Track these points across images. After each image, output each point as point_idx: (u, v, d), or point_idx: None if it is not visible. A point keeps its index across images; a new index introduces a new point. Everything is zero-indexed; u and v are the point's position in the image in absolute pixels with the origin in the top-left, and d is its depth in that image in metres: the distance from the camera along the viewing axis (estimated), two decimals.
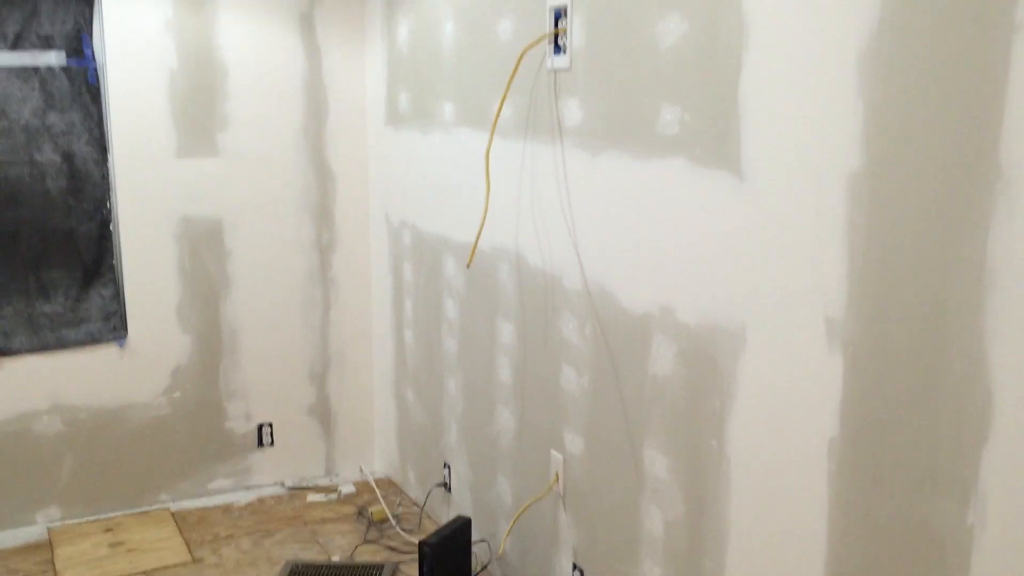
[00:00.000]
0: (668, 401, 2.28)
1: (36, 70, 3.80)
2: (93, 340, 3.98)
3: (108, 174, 3.96)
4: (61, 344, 3.93)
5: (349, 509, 4.17)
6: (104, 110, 3.92)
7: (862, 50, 1.61)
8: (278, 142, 4.17)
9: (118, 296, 4.03)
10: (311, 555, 3.74)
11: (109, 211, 3.99)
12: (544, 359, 2.87)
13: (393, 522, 3.93)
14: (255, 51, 4.06)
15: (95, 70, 3.90)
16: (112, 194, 3.97)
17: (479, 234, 3.01)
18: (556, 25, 2.62)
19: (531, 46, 2.70)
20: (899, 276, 1.59)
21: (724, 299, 2.03)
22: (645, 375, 2.35)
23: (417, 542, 3.21)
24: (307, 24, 4.14)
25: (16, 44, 3.76)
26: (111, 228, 4.00)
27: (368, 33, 4.20)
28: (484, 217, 2.97)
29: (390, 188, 4.12)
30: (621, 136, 2.36)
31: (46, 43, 3.81)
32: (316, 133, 4.24)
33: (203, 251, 4.11)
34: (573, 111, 2.57)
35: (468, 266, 3.25)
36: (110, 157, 3.94)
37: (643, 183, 2.29)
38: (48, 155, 3.86)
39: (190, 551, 3.78)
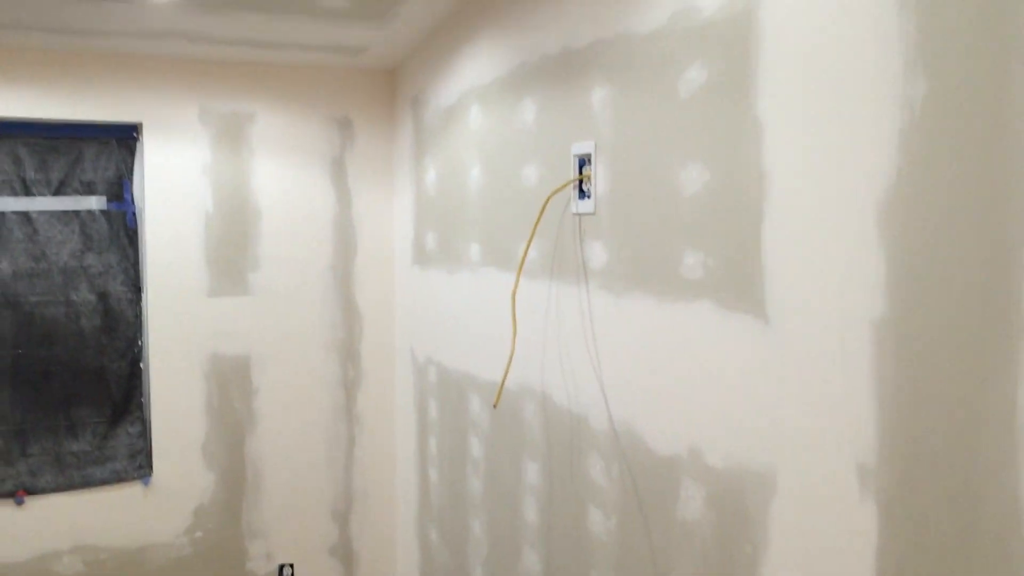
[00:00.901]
0: (698, 547, 2.23)
1: (77, 214, 3.94)
2: (118, 478, 3.98)
3: (141, 313, 4.05)
4: (87, 483, 3.94)
5: None
6: (140, 251, 4.04)
7: (881, 200, 1.65)
8: (307, 281, 4.26)
9: (145, 434, 4.05)
10: None
11: (140, 349, 4.05)
12: (571, 500, 2.83)
13: None
14: (288, 194, 4.20)
15: (134, 213, 4.04)
16: (144, 332, 4.04)
17: (505, 375, 3.03)
18: (580, 171, 2.70)
19: (556, 191, 2.78)
20: (930, 423, 1.58)
21: (753, 442, 2.02)
22: (674, 519, 2.32)
23: None
24: (338, 168, 4.29)
25: (59, 190, 3.92)
26: (141, 366, 4.05)
27: (397, 176, 4.34)
28: (511, 358, 2.99)
29: (416, 325, 4.17)
30: (646, 279, 2.40)
31: (88, 188, 3.97)
32: (344, 272, 4.33)
33: (230, 388, 4.14)
34: (598, 254, 2.63)
35: (495, 407, 3.25)
36: (144, 296, 4.03)
37: (668, 325, 2.31)
38: (84, 295, 3.96)
39: None
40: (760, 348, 1.99)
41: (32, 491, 3.84)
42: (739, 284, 2.04)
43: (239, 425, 4.16)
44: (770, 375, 1.97)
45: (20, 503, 3.81)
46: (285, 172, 4.21)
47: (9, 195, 3.83)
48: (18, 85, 3.74)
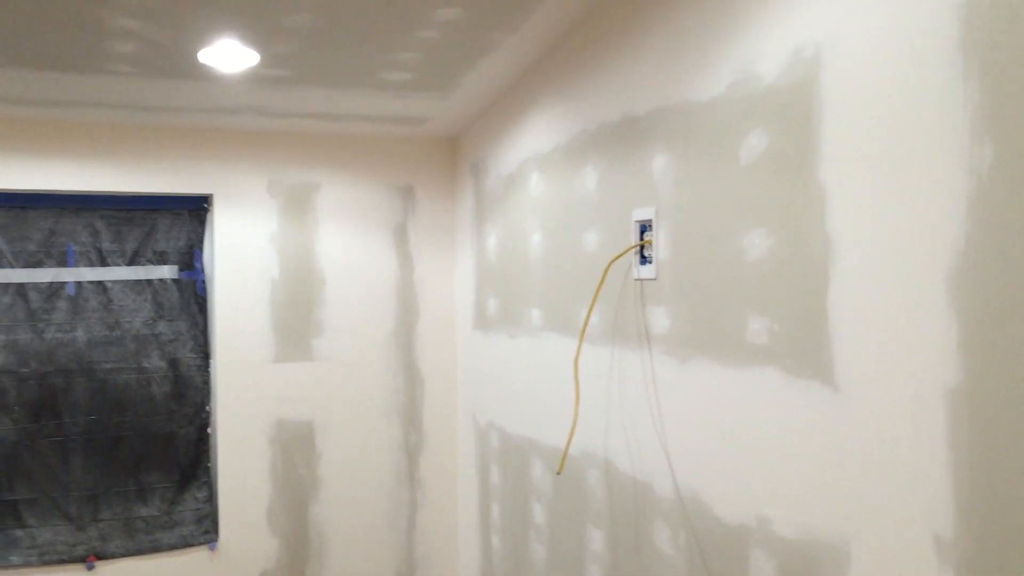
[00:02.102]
0: None
1: (150, 283, 4.06)
2: (186, 543, 4.03)
3: (209, 379, 4.13)
4: (155, 548, 3.99)
5: None
6: (209, 319, 4.13)
7: (951, 267, 1.64)
8: (370, 346, 4.31)
9: (211, 498, 4.10)
10: None
11: (208, 415, 4.13)
12: (636, 569, 2.79)
13: None
14: (351, 261, 4.28)
15: (203, 282, 4.14)
16: (212, 398, 4.12)
17: (569, 442, 3.02)
18: (642, 237, 2.72)
19: (617, 257, 2.80)
20: (1010, 493, 1.54)
21: (824, 512, 1.98)
22: None
23: None
24: (400, 235, 4.37)
25: (133, 260, 4.04)
26: (209, 431, 4.12)
27: (458, 242, 4.40)
28: (574, 424, 2.98)
29: (478, 390, 4.19)
30: (709, 344, 2.39)
31: (160, 258, 4.09)
32: (406, 337, 4.37)
33: (294, 453, 4.18)
34: (660, 319, 2.63)
35: (558, 474, 3.24)
36: (212, 363, 4.12)
37: (734, 391, 2.29)
38: (155, 362, 4.06)
39: None
40: (829, 416, 1.96)
41: (102, 556, 3.90)
42: (806, 351, 2.03)
43: (303, 490, 4.19)
44: (841, 443, 1.93)
45: (91, 568, 3.87)
46: (349, 239, 4.29)
47: (86, 265, 3.97)
48: (96, 160, 3.90)
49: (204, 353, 4.14)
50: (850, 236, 1.89)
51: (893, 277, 1.78)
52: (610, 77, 2.91)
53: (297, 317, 4.21)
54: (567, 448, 3.03)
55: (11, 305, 3.86)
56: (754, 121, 2.18)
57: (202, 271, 4.16)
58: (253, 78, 3.40)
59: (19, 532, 3.83)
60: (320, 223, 4.25)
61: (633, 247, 2.76)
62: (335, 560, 4.23)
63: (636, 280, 2.77)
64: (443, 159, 4.45)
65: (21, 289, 3.88)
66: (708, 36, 2.39)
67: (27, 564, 3.80)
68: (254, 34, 2.99)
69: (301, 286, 4.22)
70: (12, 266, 3.87)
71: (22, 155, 3.80)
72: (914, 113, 1.72)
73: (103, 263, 4.01)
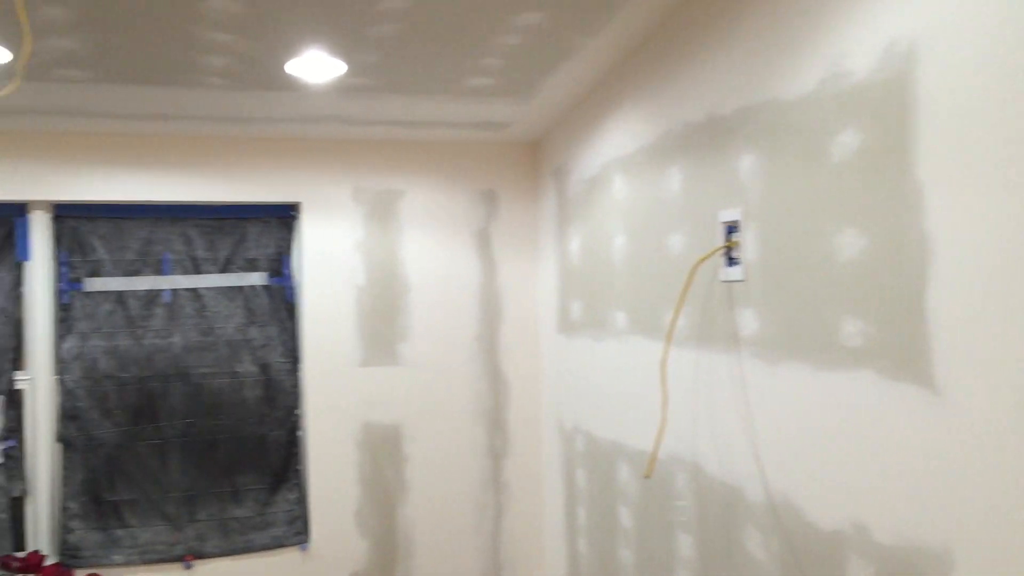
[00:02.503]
0: None
1: (241, 289, 4.17)
2: (278, 544, 4.12)
3: (298, 383, 4.22)
4: (249, 548, 4.09)
5: None
6: (298, 324, 4.22)
7: None
8: (454, 350, 4.35)
9: (302, 501, 4.19)
10: None
11: (298, 418, 4.21)
12: (727, 574, 2.75)
13: None
14: (435, 266, 4.32)
15: (292, 288, 4.23)
16: (301, 402, 4.21)
17: (657, 445, 3.00)
18: (729, 238, 2.68)
19: (704, 259, 2.77)
20: None
21: (925, 518, 1.92)
22: None
23: None
24: (483, 240, 4.39)
25: (225, 267, 4.16)
26: (299, 434, 4.21)
27: (541, 246, 4.41)
28: (662, 428, 2.96)
29: (562, 394, 4.19)
30: (801, 347, 2.34)
31: (251, 265, 4.19)
32: (490, 341, 4.40)
33: (382, 456, 4.24)
34: (749, 321, 2.59)
35: (647, 476, 3.21)
36: (301, 367, 4.21)
37: (827, 394, 2.25)
38: (247, 366, 4.16)
39: None
40: (929, 420, 1.91)
41: (199, 555, 4.02)
42: (903, 353, 1.97)
43: (391, 493, 4.25)
44: (942, 448, 1.88)
45: (189, 567, 3.99)
46: (432, 245, 4.34)
47: (181, 273, 4.09)
48: (189, 171, 4.02)
49: (293, 358, 4.23)
50: (949, 235, 1.84)
51: (995, 277, 1.72)
52: (694, 77, 2.88)
53: (383, 322, 4.27)
54: (655, 452, 3.01)
55: (112, 312, 4.00)
56: (845, 119, 2.14)
57: (291, 277, 4.25)
58: (339, 87, 3.46)
59: (121, 532, 3.97)
60: (404, 229, 4.30)
61: (720, 248, 2.73)
62: (423, 562, 4.27)
63: (723, 282, 2.73)
64: (525, 163, 4.46)
65: (121, 297, 4.02)
66: (796, 33, 2.35)
67: (129, 563, 3.93)
68: (341, 44, 3.05)
69: (386, 291, 4.28)
70: (112, 275, 4.01)
71: (121, 168, 3.94)
72: (1017, 108, 1.66)
73: (197, 271, 4.13)
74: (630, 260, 3.40)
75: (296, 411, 4.23)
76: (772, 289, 2.48)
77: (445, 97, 3.68)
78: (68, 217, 3.97)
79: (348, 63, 3.20)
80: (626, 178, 3.42)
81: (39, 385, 3.93)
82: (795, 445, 2.40)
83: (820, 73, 2.24)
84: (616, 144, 3.50)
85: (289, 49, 3.08)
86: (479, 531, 4.37)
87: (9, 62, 2.95)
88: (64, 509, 3.91)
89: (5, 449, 3.85)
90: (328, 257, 4.21)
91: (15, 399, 3.90)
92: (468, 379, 4.38)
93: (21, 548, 3.85)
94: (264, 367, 4.19)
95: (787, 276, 2.41)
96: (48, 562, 3.71)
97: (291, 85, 3.42)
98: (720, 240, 2.72)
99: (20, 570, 3.62)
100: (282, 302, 4.24)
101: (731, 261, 2.69)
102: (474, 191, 4.41)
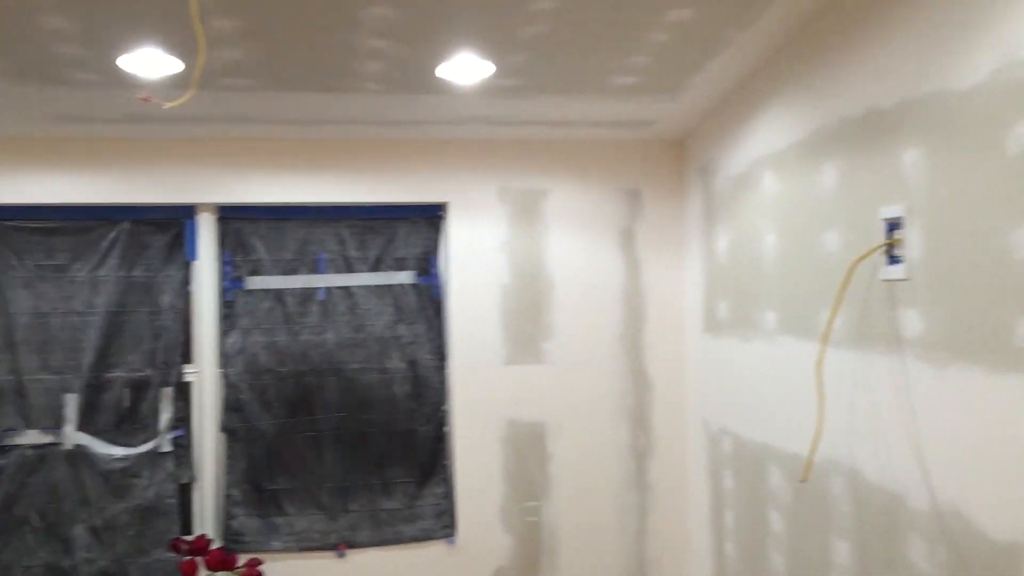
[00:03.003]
0: None
1: (390, 288, 4.29)
2: (426, 536, 4.22)
3: (445, 380, 4.31)
4: (398, 539, 4.20)
5: None
6: (445, 322, 4.31)
7: None
8: (598, 350, 4.35)
9: (449, 495, 4.28)
10: None
11: (445, 414, 4.30)
12: None
13: None
14: (579, 265, 4.34)
15: (438, 286, 4.33)
16: (448, 398, 4.30)
17: (813, 448, 2.92)
18: (890, 236, 2.59)
19: (863, 257, 2.68)
20: None
21: None
22: None
23: None
24: (628, 238, 4.38)
25: (376, 266, 4.29)
26: (445, 430, 4.30)
27: (686, 245, 4.36)
28: (819, 431, 2.88)
29: (708, 395, 4.13)
30: (973, 349, 2.24)
31: (400, 264, 4.31)
32: (634, 340, 4.38)
33: (526, 454, 4.29)
34: (913, 322, 2.49)
35: (803, 481, 3.12)
36: (448, 364, 4.29)
37: (1003, 398, 2.14)
38: (396, 363, 4.28)
39: None
40: None
41: (352, 545, 4.16)
42: None
43: (535, 490, 4.29)
44: None
45: (342, 556, 4.14)
46: (576, 244, 4.35)
47: (334, 272, 4.25)
48: (343, 173, 4.17)
49: (440, 355, 4.32)
50: None
51: None
52: (851, 70, 2.79)
53: (527, 321, 4.31)
54: (811, 455, 2.93)
55: (271, 309, 4.19)
56: (1022, 110, 2.03)
57: (438, 276, 4.35)
58: (488, 89, 3.52)
59: (279, 519, 4.15)
60: (548, 228, 4.33)
61: (880, 246, 2.63)
62: (567, 560, 4.29)
63: (883, 281, 2.64)
64: (670, 161, 4.42)
65: (279, 294, 4.21)
66: (964, 21, 2.25)
67: (287, 549, 4.11)
68: (491, 46, 3.10)
69: (530, 290, 4.32)
70: (271, 273, 4.20)
71: (281, 171, 4.12)
72: None
73: (349, 269, 4.27)
74: (781, 259, 3.32)
75: (443, 407, 4.32)
76: (940, 288, 2.38)
77: (591, 96, 3.68)
78: (232, 219, 4.18)
79: (497, 64, 3.25)
80: (777, 175, 3.34)
81: (205, 378, 4.15)
82: (965, 451, 2.30)
83: (993, 63, 2.13)
84: (766, 140, 3.43)
85: (440, 53, 3.15)
86: (623, 531, 4.36)
87: (182, 72, 3.13)
88: (227, 496, 4.12)
89: (174, 438, 4.08)
90: (474, 256, 4.28)
91: (183, 391, 4.13)
92: (611, 378, 4.37)
93: (188, 532, 4.08)
94: (412, 363, 4.30)
95: (956, 275, 2.30)
96: (214, 546, 3.92)
97: (441, 88, 3.50)
98: (880, 237, 2.63)
99: (188, 553, 3.83)
100: (429, 300, 4.34)
101: (892, 259, 2.59)
102: (618, 190, 4.40)
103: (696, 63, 3.37)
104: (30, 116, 3.65)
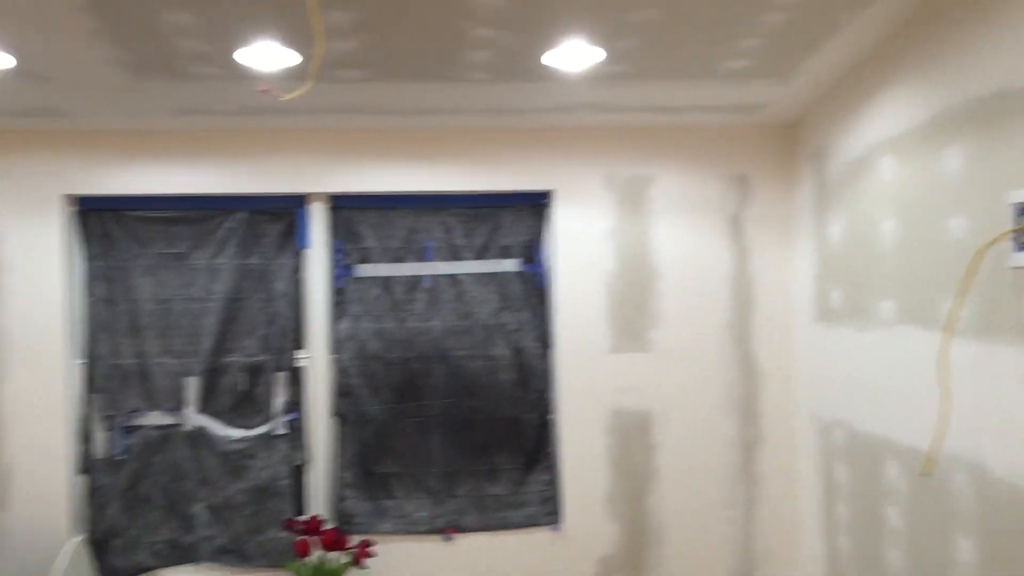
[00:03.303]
0: None
1: (496, 275, 4.32)
2: (531, 523, 4.25)
3: (550, 368, 4.32)
4: (504, 525, 4.24)
5: None
6: (550, 310, 4.32)
7: None
8: (704, 338, 4.29)
9: (554, 482, 4.29)
10: None
11: (549, 402, 4.32)
12: None
13: None
14: (685, 253, 4.28)
15: (543, 274, 4.34)
16: (552, 386, 4.31)
17: (937, 442, 2.82)
18: (1020, 221, 2.48)
19: (991, 244, 2.57)
20: None
21: None
22: None
23: None
24: (736, 226, 4.30)
25: (481, 254, 4.32)
26: (550, 418, 4.31)
27: (796, 232, 4.26)
28: (943, 424, 2.79)
29: (819, 385, 4.03)
30: None
31: (505, 252, 4.33)
32: (742, 329, 4.31)
33: (631, 442, 4.26)
34: None
35: (925, 475, 3.02)
36: (552, 352, 4.30)
37: None
38: (501, 350, 4.31)
39: None
40: None
41: (459, 529, 4.22)
42: None
43: (640, 479, 4.27)
44: None
45: (449, 540, 4.20)
46: (682, 232, 4.29)
47: (440, 260, 4.30)
48: (449, 162, 4.21)
49: (545, 342, 4.33)
50: None
51: None
52: (981, 49, 2.68)
53: (632, 309, 4.28)
54: (935, 449, 2.83)
55: (379, 297, 4.27)
56: None
57: (543, 264, 4.36)
58: (595, 75, 3.50)
59: (388, 502, 4.24)
60: (654, 215, 4.29)
61: (1009, 232, 2.53)
62: (673, 550, 4.26)
63: (1012, 268, 2.53)
64: (780, 147, 4.32)
65: (387, 282, 4.28)
66: None
67: (396, 532, 4.19)
68: (601, 32, 3.08)
69: (636, 278, 4.29)
70: (380, 261, 4.28)
71: (389, 161, 4.19)
72: None
73: (455, 257, 4.32)
74: (900, 246, 3.22)
75: (548, 395, 4.33)
76: None
77: (701, 81, 3.63)
78: (342, 208, 4.27)
79: (607, 50, 3.23)
80: (896, 159, 3.23)
81: (316, 363, 4.25)
82: None
83: None
84: (884, 124, 3.32)
85: (548, 40, 3.15)
86: (731, 522, 4.30)
87: (298, 65, 3.21)
88: (339, 479, 4.22)
89: (288, 421, 4.21)
90: (579, 244, 4.27)
91: (296, 376, 4.25)
92: (718, 368, 4.31)
93: (301, 512, 4.20)
94: (517, 351, 4.32)
95: None
96: (326, 527, 4.02)
97: (547, 76, 3.50)
98: (1009, 223, 2.52)
99: (302, 533, 3.95)
100: (534, 288, 4.35)
101: (1022, 246, 2.48)
102: (726, 176, 4.32)
103: (810, 45, 3.29)
104: (153, 110, 3.80)
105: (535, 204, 4.35)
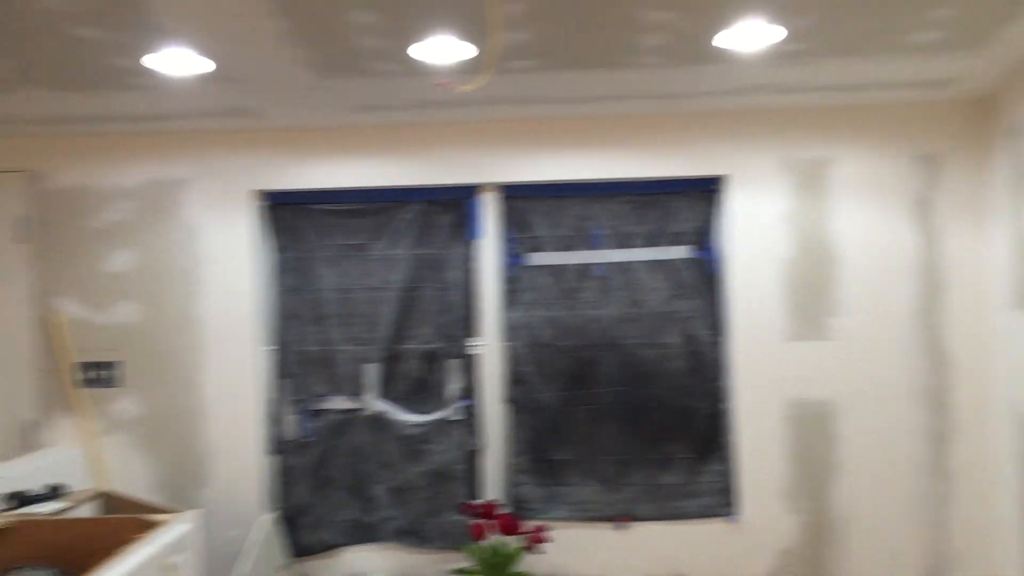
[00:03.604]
0: None
1: (666, 262, 4.27)
2: (706, 513, 4.19)
3: (723, 356, 4.23)
4: (677, 514, 4.20)
5: None
6: (722, 297, 4.23)
7: None
8: (888, 326, 4.10)
9: (728, 473, 4.21)
10: None
11: (722, 391, 4.23)
12: None
13: None
14: (866, 236, 4.10)
15: (715, 261, 4.25)
16: (726, 375, 4.22)
17: None
18: None
19: None
20: None
21: None
22: None
23: None
24: (923, 207, 4.08)
25: (651, 241, 4.28)
26: (723, 407, 4.23)
27: (990, 213, 3.99)
28: None
29: (1019, 375, 3.77)
30: None
31: (676, 239, 4.28)
32: (930, 316, 4.08)
33: (811, 434, 4.13)
34: None
35: None
36: (725, 340, 4.21)
37: None
38: (672, 338, 4.26)
39: None
40: None
41: (631, 518, 4.20)
42: None
43: (821, 472, 4.12)
44: None
45: (622, 528, 4.19)
46: (863, 214, 4.11)
47: (610, 247, 4.28)
48: (618, 149, 4.19)
49: (717, 330, 4.25)
50: None
51: None
52: None
53: (810, 295, 4.14)
54: None
55: (550, 285, 4.30)
56: None
57: (715, 250, 4.27)
58: (773, 55, 3.39)
59: (561, 489, 4.27)
60: (833, 198, 4.12)
61: None
62: (857, 546, 4.09)
63: None
64: (971, 123, 4.06)
65: (558, 270, 4.30)
66: None
67: (569, 518, 4.22)
68: (781, 10, 2.98)
69: (814, 264, 4.13)
70: (550, 250, 4.31)
71: (558, 149, 4.21)
72: None
73: (625, 245, 4.29)
74: None
75: (721, 383, 4.25)
76: None
77: (886, 56, 3.46)
78: (513, 197, 4.32)
79: (787, 28, 3.12)
80: None
81: (489, 351, 4.33)
82: None
83: None
84: None
85: (723, 21, 3.07)
86: (920, 521, 4.09)
87: (472, 58, 3.26)
88: (512, 464, 4.28)
89: (462, 408, 4.30)
90: (753, 229, 4.16)
91: (469, 363, 4.34)
92: (905, 356, 4.10)
93: (475, 497, 4.29)
94: (689, 339, 4.25)
95: None
96: (502, 511, 4.09)
97: (720, 58, 3.42)
98: None
99: (478, 517, 4.03)
100: (706, 275, 4.27)
101: None
102: (911, 156, 4.10)
103: (1007, 12, 3.07)
104: (334, 107, 3.95)
105: (707, 189, 4.26)
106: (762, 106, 4.10)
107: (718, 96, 3.95)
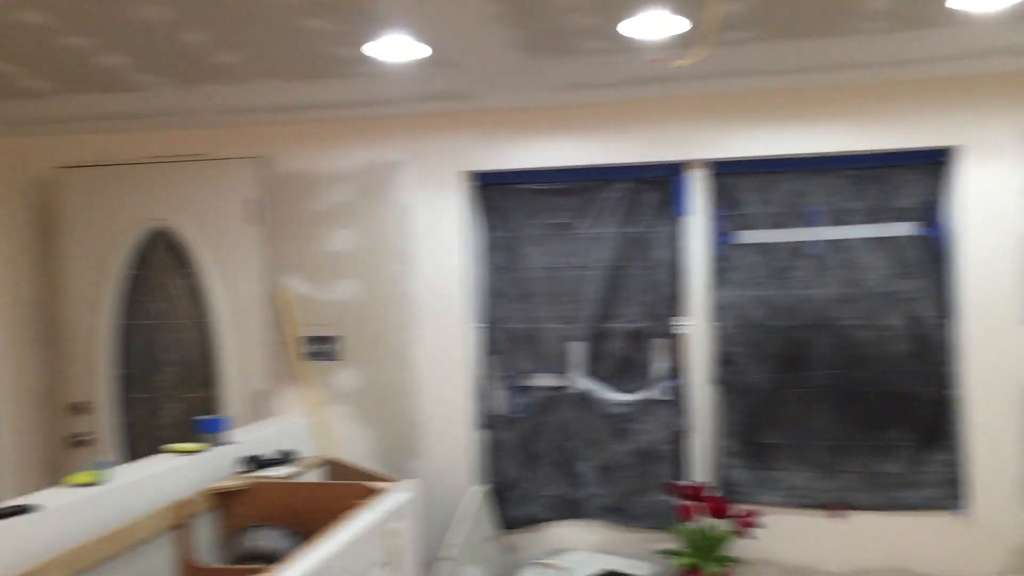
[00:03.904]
0: None
1: (888, 240, 4.04)
2: (928, 505, 3.96)
3: (949, 339, 3.97)
4: (897, 505, 3.99)
5: None
6: (950, 277, 3.96)
7: None
8: None
9: (955, 463, 3.95)
10: None
11: (948, 376, 3.97)
12: None
13: None
14: None
15: (943, 238, 3.98)
16: (953, 359, 3.95)
17: None
18: None
19: None
20: None
21: None
22: None
23: None
24: None
25: (871, 217, 4.06)
26: (949, 393, 3.97)
27: None
28: None
29: None
30: None
31: (899, 215, 4.04)
32: None
33: None
34: None
35: None
36: (952, 323, 3.95)
37: None
38: (893, 319, 4.03)
39: None
40: None
41: (846, 506, 4.03)
42: None
43: None
44: None
45: (837, 516, 4.03)
46: None
47: (825, 224, 4.10)
48: (835, 120, 3.99)
49: (944, 312, 3.99)
50: None
51: None
52: None
53: None
54: None
55: (760, 264, 4.17)
56: None
57: (943, 227, 4.00)
58: (1017, 15, 3.12)
59: (771, 473, 4.15)
60: None
61: None
62: None
63: None
64: None
65: (768, 248, 4.16)
66: None
67: (780, 504, 4.10)
68: None
69: None
70: (760, 227, 4.17)
71: (769, 123, 4.07)
72: None
73: (841, 222, 4.09)
74: None
75: (947, 368, 3.98)
76: None
77: None
78: (722, 174, 4.21)
79: None
80: None
81: (697, 330, 4.25)
82: None
83: None
84: None
85: None
86: None
87: (685, 32, 3.19)
88: (721, 446, 4.20)
89: (669, 388, 4.26)
90: (988, 204, 3.86)
91: (676, 343, 4.28)
92: None
93: (681, 478, 4.24)
94: (912, 321, 4.01)
95: None
96: (711, 494, 4.03)
97: (954, 19, 3.18)
98: None
99: (686, 498, 3.99)
100: (932, 253, 4.01)
101: None
102: None
103: None
104: (542, 87, 3.98)
105: (933, 162, 4.00)
106: (999, 70, 3.79)
107: (948, 62, 3.68)
